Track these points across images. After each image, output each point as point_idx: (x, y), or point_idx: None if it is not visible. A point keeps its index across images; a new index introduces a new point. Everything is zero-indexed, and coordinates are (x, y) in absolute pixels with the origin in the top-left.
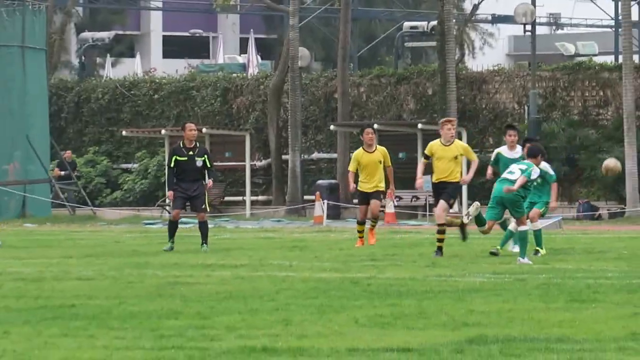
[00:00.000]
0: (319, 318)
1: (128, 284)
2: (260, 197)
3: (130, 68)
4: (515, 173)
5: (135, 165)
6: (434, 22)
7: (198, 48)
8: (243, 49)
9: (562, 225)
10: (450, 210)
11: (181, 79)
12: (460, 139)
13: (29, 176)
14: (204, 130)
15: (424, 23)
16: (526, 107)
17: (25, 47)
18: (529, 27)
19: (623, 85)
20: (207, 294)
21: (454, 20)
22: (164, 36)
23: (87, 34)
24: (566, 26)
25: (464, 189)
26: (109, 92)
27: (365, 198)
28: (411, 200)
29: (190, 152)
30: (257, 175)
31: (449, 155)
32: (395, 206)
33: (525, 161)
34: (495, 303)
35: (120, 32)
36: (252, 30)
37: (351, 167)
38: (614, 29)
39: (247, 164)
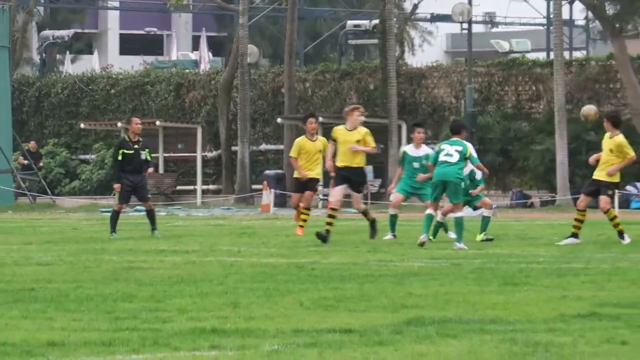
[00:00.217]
0: (266, 301)
1: (85, 269)
2: (210, 187)
3: (88, 64)
4: (453, 155)
5: (93, 157)
6: (376, 21)
7: (153, 45)
8: (195, 46)
9: (497, 213)
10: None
11: (136, 75)
12: (400, 131)
13: None
14: (157, 123)
15: (367, 22)
16: (463, 101)
17: None
18: (465, 26)
19: (554, 80)
20: (159, 278)
21: (395, 19)
22: (120, 34)
23: (47, 32)
24: (501, 24)
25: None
26: (68, 87)
27: (301, 185)
28: None
29: (136, 146)
30: (208, 165)
31: (352, 140)
32: None
33: (455, 140)
34: (432, 286)
35: (79, 31)
36: (204, 28)
37: (293, 153)
38: (545, 27)
39: (199, 155)
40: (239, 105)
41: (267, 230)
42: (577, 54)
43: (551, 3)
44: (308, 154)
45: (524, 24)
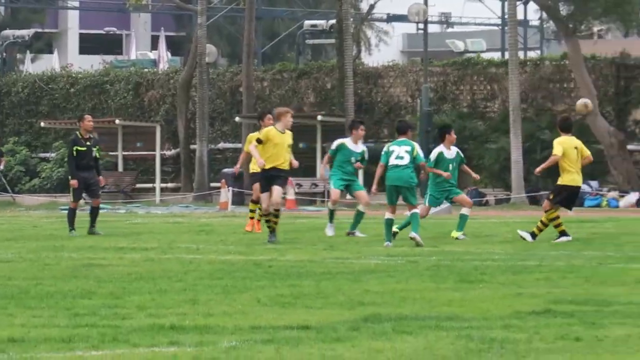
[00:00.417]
0: (224, 298)
1: (45, 266)
2: (169, 185)
3: (48, 64)
4: (404, 158)
5: (53, 155)
6: (333, 21)
7: (112, 45)
8: (154, 46)
9: (452, 211)
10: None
11: (96, 74)
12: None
13: None
14: (117, 121)
15: (324, 22)
16: (419, 100)
17: None
18: (421, 26)
19: (509, 80)
20: (119, 275)
21: (352, 19)
22: (80, 34)
23: (8, 32)
24: (456, 24)
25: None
26: (28, 86)
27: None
28: (310, 187)
29: (88, 143)
30: (166, 163)
31: (285, 142)
32: (295, 193)
33: (402, 140)
34: (389, 284)
35: (40, 30)
36: (162, 28)
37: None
38: (500, 27)
39: (158, 153)
40: (198, 104)
41: (225, 228)
42: (532, 54)
43: (506, 3)
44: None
45: (479, 24)
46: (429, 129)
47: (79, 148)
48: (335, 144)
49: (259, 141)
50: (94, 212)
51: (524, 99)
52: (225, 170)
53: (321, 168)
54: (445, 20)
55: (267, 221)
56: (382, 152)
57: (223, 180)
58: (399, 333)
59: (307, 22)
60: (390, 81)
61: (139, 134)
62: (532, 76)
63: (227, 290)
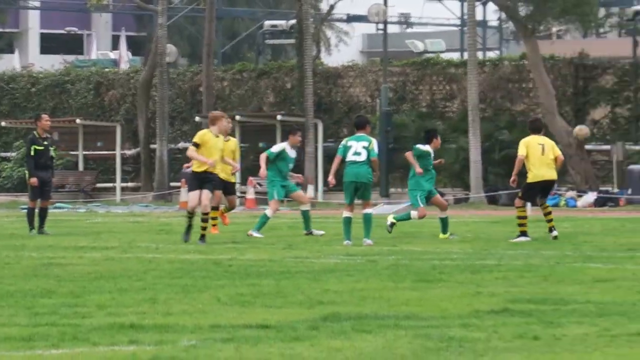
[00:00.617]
0: (184, 297)
1: (5, 265)
2: (129, 184)
3: (9, 63)
4: (361, 154)
5: (14, 154)
6: (293, 21)
7: (73, 45)
8: (115, 46)
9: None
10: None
11: (57, 74)
12: (317, 130)
13: None
14: (77, 121)
15: (284, 22)
16: (378, 100)
17: None
18: (381, 26)
19: (468, 80)
20: (79, 274)
21: (312, 19)
22: (41, 33)
23: None
24: (416, 25)
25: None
26: None
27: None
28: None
29: (45, 142)
30: (127, 163)
31: (220, 146)
32: (255, 192)
33: (360, 135)
34: (348, 283)
35: (0, 30)
36: (123, 28)
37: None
38: (460, 28)
39: (118, 152)
40: (158, 104)
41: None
42: (491, 54)
43: (465, 4)
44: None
45: (438, 25)
46: (389, 129)
47: (37, 147)
48: (277, 148)
49: (195, 145)
50: (43, 213)
51: (482, 99)
52: (186, 169)
53: (262, 170)
54: (405, 20)
55: (189, 219)
56: (340, 146)
57: (183, 180)
58: (358, 332)
59: (267, 22)
60: (349, 81)
61: (99, 133)
62: (490, 76)
63: (187, 289)
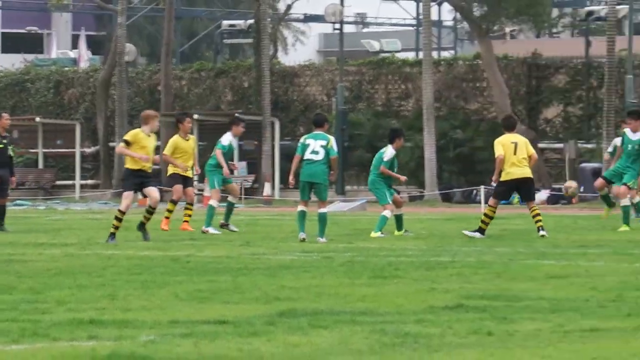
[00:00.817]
0: (143, 293)
1: None
2: (89, 181)
3: None
4: (319, 152)
5: None
6: (251, 21)
7: (33, 44)
8: (75, 45)
9: (367, 208)
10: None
11: (17, 72)
12: (274, 128)
13: None
14: (37, 119)
15: (242, 22)
16: (334, 99)
17: None
18: (337, 26)
19: (423, 79)
20: (39, 271)
21: (269, 19)
22: (2, 33)
23: None
24: (372, 25)
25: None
26: None
27: (182, 180)
28: None
29: (4, 141)
30: (86, 161)
31: (152, 145)
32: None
33: (318, 133)
34: (304, 279)
35: None
36: (83, 27)
37: (167, 151)
38: (415, 28)
39: (77, 150)
40: (117, 103)
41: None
42: (445, 54)
43: (420, 4)
44: (184, 152)
45: (394, 25)
46: (344, 127)
47: None
48: (226, 140)
49: (126, 142)
50: (1, 210)
51: (437, 98)
52: None
53: (225, 168)
54: (361, 20)
55: (117, 220)
56: (299, 144)
57: None
58: (314, 327)
59: (225, 22)
60: (306, 80)
61: (59, 131)
62: (445, 75)
63: (146, 286)
